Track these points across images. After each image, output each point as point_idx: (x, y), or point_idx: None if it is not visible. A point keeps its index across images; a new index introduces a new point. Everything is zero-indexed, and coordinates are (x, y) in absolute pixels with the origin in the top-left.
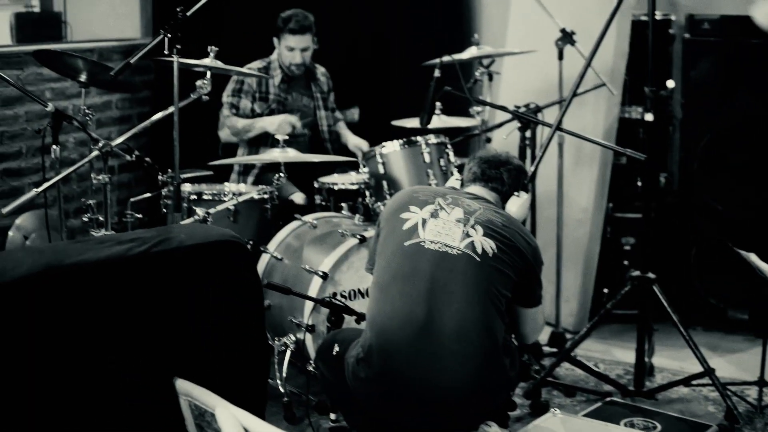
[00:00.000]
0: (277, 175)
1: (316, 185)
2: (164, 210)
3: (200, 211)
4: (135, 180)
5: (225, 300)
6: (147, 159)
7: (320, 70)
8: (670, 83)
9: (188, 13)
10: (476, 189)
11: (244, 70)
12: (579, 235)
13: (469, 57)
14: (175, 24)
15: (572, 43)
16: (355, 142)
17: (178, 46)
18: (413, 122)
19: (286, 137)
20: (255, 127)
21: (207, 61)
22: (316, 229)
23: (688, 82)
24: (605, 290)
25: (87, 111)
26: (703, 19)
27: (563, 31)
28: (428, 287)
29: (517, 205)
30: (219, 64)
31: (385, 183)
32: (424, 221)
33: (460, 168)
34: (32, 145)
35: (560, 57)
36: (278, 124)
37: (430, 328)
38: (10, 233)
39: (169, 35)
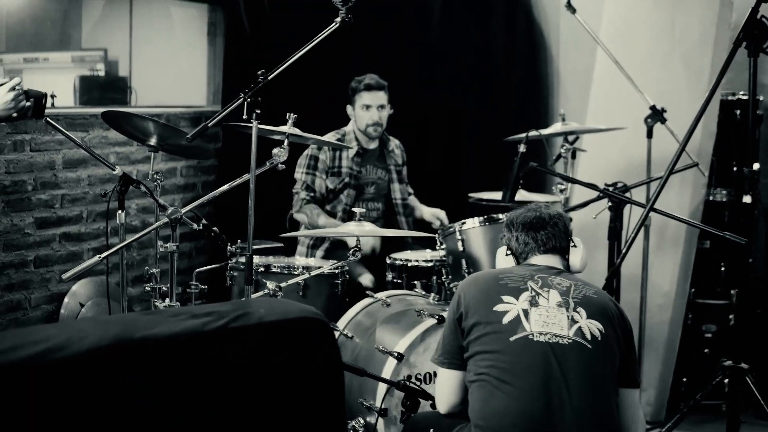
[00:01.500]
0: (352, 249)
1: (388, 261)
2: (229, 282)
3: (271, 285)
4: (195, 249)
5: (305, 380)
6: (214, 228)
7: (394, 142)
8: (756, 166)
9: (269, 77)
10: (543, 260)
11: (324, 138)
12: (660, 321)
13: (555, 132)
14: (256, 88)
15: (663, 120)
16: (432, 211)
17: (258, 111)
18: (490, 195)
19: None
20: (325, 233)
21: (285, 128)
22: (390, 307)
23: None
24: (684, 379)
25: (156, 176)
26: None
27: (653, 108)
28: (543, 382)
29: (579, 256)
30: (297, 131)
31: (464, 261)
32: (525, 312)
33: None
34: (93, 210)
35: (649, 135)
36: (364, 242)
37: (548, 424)
38: (66, 300)
39: (249, 99)
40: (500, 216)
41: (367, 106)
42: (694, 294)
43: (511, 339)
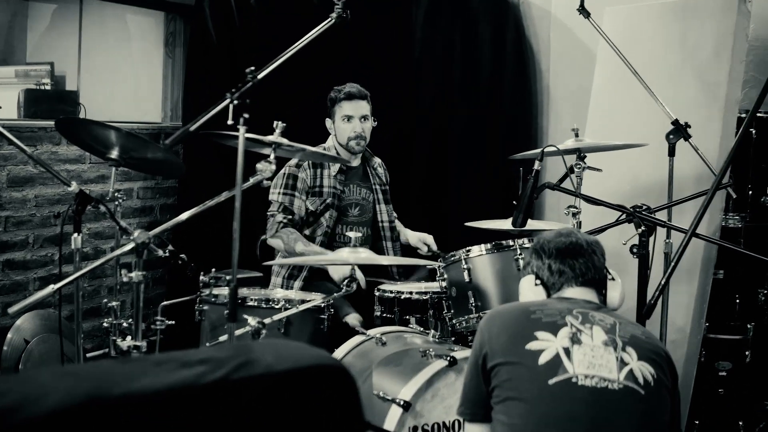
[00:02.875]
0: (347, 280)
1: (376, 293)
2: (199, 317)
3: (252, 321)
4: (153, 280)
5: None
6: (182, 255)
7: (377, 161)
8: None
9: (259, 76)
10: (579, 293)
11: (319, 150)
12: (675, 359)
13: (570, 149)
14: (244, 88)
15: (686, 137)
16: (418, 236)
17: (246, 115)
18: (488, 224)
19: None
20: (315, 260)
21: (273, 138)
22: (386, 346)
23: None
24: (696, 422)
25: (118, 194)
26: None
27: (676, 123)
28: None
29: (618, 291)
30: (286, 141)
31: (470, 294)
32: (566, 351)
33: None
34: (41, 234)
35: (671, 153)
36: (342, 273)
37: None
38: (9, 336)
39: (235, 101)
40: (510, 243)
41: (349, 117)
42: (707, 329)
43: (551, 382)
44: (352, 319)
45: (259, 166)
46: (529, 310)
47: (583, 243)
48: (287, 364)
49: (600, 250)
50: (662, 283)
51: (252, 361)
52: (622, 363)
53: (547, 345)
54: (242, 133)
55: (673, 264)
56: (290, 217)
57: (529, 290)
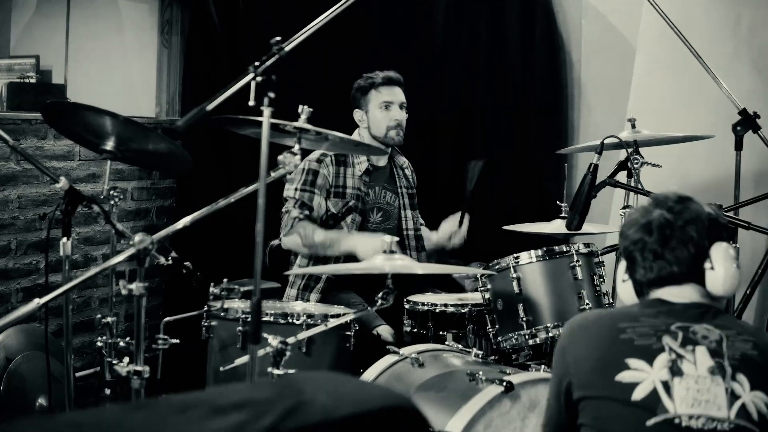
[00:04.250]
0: (383, 292)
1: (406, 306)
2: (206, 334)
3: (274, 341)
4: (149, 291)
5: None
6: (187, 263)
7: (404, 160)
8: None
9: (286, 48)
10: (678, 293)
11: (354, 137)
12: None
13: (629, 140)
14: (269, 62)
15: (756, 128)
16: (441, 231)
17: (271, 95)
18: (530, 227)
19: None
20: (339, 247)
21: (299, 124)
22: (424, 368)
23: None
24: None
25: (114, 193)
26: None
27: (744, 113)
28: None
29: (722, 276)
30: (314, 128)
31: (520, 307)
32: (665, 385)
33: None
34: (24, 239)
35: (738, 146)
36: (373, 248)
37: None
38: None
39: (259, 78)
40: (564, 248)
41: (388, 104)
42: None
43: (649, 424)
44: (384, 331)
45: (281, 158)
46: (617, 327)
47: (680, 217)
48: (349, 408)
49: (701, 220)
50: (746, 293)
51: (304, 404)
52: (733, 396)
53: (642, 377)
54: (267, 116)
55: (759, 270)
56: (308, 212)
57: (625, 281)
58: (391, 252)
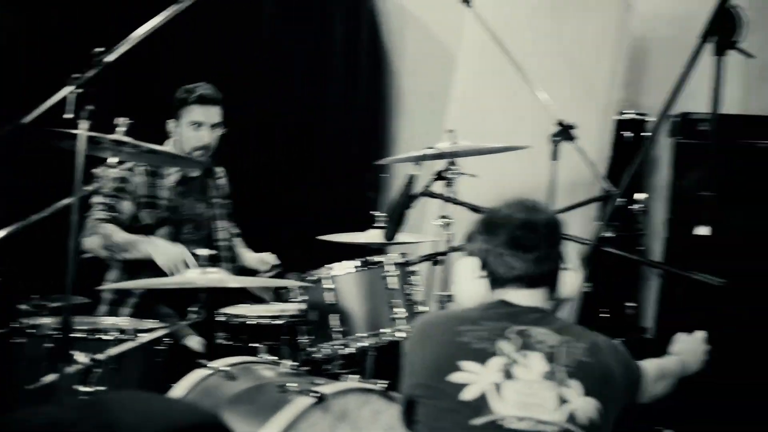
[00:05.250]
0: (197, 306)
1: (220, 318)
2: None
3: (81, 356)
4: None
5: None
6: None
7: (217, 170)
8: (641, 195)
9: (109, 59)
10: (525, 296)
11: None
12: None
13: (448, 152)
14: (91, 73)
15: (571, 139)
16: (258, 257)
17: (91, 107)
18: (345, 237)
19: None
20: (138, 249)
21: (116, 137)
22: (235, 381)
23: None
24: None
25: None
26: (698, 119)
27: (560, 124)
28: None
29: (571, 281)
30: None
31: (335, 317)
32: (496, 387)
33: None
34: None
35: (554, 156)
36: (170, 258)
37: None
38: None
39: (79, 90)
40: (376, 259)
41: (198, 124)
42: None
43: (473, 423)
44: (193, 342)
45: (97, 171)
46: (456, 331)
47: (546, 227)
48: (156, 427)
49: (553, 227)
50: None
51: (110, 425)
52: (562, 401)
53: (473, 378)
54: (84, 129)
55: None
56: (114, 215)
57: (469, 280)
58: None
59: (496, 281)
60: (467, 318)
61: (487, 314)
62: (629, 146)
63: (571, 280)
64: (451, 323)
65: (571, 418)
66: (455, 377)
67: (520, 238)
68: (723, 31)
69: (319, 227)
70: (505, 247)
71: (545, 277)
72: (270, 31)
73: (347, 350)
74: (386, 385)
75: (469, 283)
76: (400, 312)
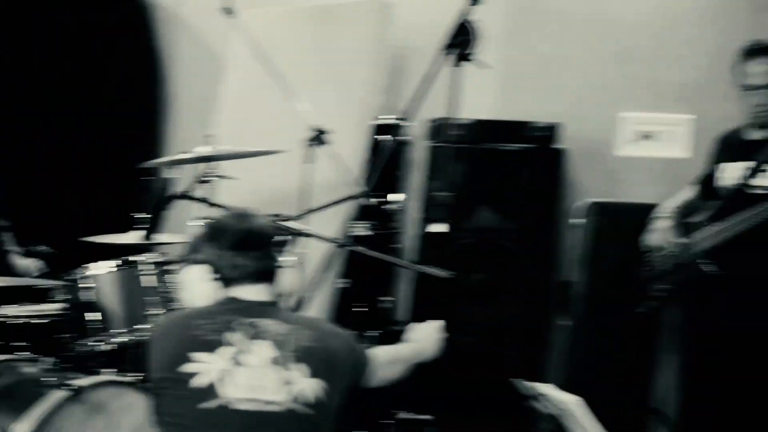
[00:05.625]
0: None
1: None
2: None
3: None
4: None
5: None
6: None
7: None
8: (398, 196)
9: None
10: (252, 292)
11: None
12: None
13: (206, 155)
14: None
15: (323, 144)
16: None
17: None
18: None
19: None
20: None
21: None
22: None
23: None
24: None
25: None
26: (450, 124)
27: (316, 130)
28: None
29: (291, 274)
30: None
31: (94, 315)
32: (225, 374)
33: None
34: None
35: (307, 160)
36: None
37: None
38: None
39: None
40: (137, 258)
41: None
42: None
43: (202, 407)
44: None
45: None
46: (190, 326)
47: (262, 231)
48: None
49: (273, 235)
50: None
51: None
52: (288, 383)
53: (203, 368)
54: None
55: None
56: None
57: (199, 284)
58: None
59: (226, 281)
60: (201, 314)
61: (220, 309)
62: (385, 150)
63: (290, 276)
64: (187, 320)
65: (296, 398)
66: (187, 367)
67: (244, 240)
68: (461, 44)
69: (86, 228)
70: (232, 249)
71: (268, 272)
72: (41, 33)
73: (107, 346)
74: (141, 378)
75: (199, 288)
76: (155, 309)
